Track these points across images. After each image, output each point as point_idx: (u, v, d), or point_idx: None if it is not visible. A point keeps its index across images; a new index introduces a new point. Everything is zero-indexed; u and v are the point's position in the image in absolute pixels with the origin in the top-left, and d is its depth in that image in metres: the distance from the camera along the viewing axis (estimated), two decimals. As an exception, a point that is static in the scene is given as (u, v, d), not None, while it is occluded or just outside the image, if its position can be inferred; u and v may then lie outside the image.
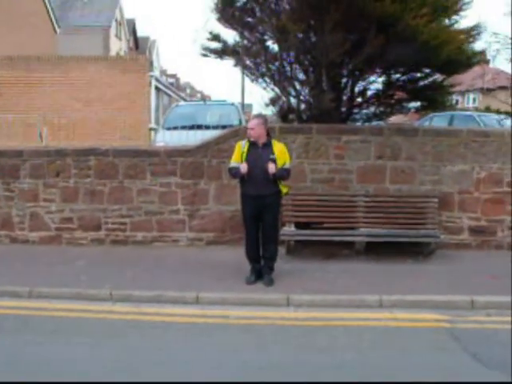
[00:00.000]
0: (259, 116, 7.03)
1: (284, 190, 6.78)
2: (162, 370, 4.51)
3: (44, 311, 6.00)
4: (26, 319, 5.77)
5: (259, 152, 6.61)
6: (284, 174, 6.68)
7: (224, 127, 10.06)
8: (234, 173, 6.79)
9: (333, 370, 4.51)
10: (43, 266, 7.62)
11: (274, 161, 6.54)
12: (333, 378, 4.34)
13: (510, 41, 11.25)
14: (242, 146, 6.73)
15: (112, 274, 7.17)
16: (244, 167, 6.54)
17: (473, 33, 8.64)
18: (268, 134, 6.74)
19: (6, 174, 8.86)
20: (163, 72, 51.05)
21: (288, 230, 7.96)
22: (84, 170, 8.73)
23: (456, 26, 8.71)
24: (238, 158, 6.69)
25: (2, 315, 5.87)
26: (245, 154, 6.64)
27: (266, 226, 6.76)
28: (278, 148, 6.70)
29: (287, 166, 6.71)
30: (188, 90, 59.70)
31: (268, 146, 6.68)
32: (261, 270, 6.87)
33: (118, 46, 41.68)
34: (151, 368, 4.55)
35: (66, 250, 8.55)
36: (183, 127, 11.07)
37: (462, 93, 32.52)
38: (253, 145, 6.66)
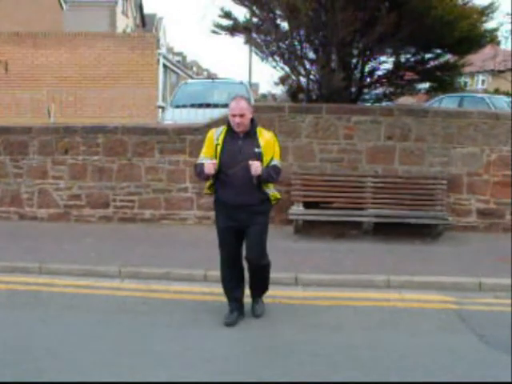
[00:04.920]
0: (242, 96, 5.09)
1: (273, 196, 5.03)
2: (172, 347, 4.54)
3: (54, 287, 6.05)
4: (37, 295, 5.81)
5: (239, 144, 4.83)
6: (272, 174, 4.84)
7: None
8: (198, 172, 4.96)
9: (342, 349, 4.53)
10: (52, 242, 7.67)
11: (260, 156, 4.79)
12: (343, 357, 4.37)
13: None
14: (215, 136, 4.93)
15: (120, 251, 7.21)
16: (209, 166, 4.74)
17: (486, 12, 8.54)
18: (252, 120, 4.90)
19: (14, 151, 8.88)
20: (170, 50, 50.67)
21: (296, 210, 7.97)
22: (93, 148, 8.73)
23: (469, 5, 8.60)
24: (209, 152, 4.91)
25: (13, 290, 5.92)
26: (220, 147, 4.85)
27: (250, 248, 4.99)
28: (265, 138, 4.89)
29: (276, 162, 4.89)
30: (194, 68, 59.32)
31: (251, 135, 4.87)
32: (242, 305, 5.21)
33: (125, 23, 41.27)
34: (162, 344, 4.59)
35: (75, 227, 8.60)
36: (192, 105, 11.04)
37: (472, 74, 32.24)
38: (231, 134, 4.88)
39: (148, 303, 5.65)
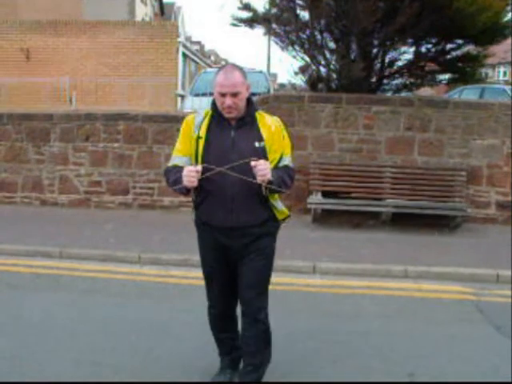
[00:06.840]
0: (234, 65, 3.29)
1: (281, 214, 3.37)
2: (189, 330, 4.61)
3: (75, 271, 6.15)
4: (58, 278, 5.92)
5: (231, 137, 3.20)
6: (285, 179, 3.22)
7: (252, 95, 10.01)
8: (171, 181, 3.25)
9: (359, 336, 4.57)
10: (73, 228, 7.79)
11: (263, 153, 3.17)
12: (359, 344, 4.41)
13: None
14: (194, 126, 3.25)
15: (140, 237, 7.30)
16: (189, 175, 3.05)
17: (510, 1, 8.45)
18: (249, 101, 3.27)
19: (36, 137, 9.02)
20: (188, 39, 50.66)
21: (315, 199, 8.00)
22: (113, 135, 8.83)
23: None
24: (186, 150, 3.27)
25: (35, 274, 6.05)
26: (203, 142, 3.21)
27: (246, 289, 3.36)
28: (269, 127, 3.26)
29: (287, 161, 3.30)
30: (212, 58, 59.30)
31: (249, 123, 3.25)
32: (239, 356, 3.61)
33: (144, 11, 41.30)
34: (179, 328, 4.66)
35: (95, 213, 8.72)
36: (211, 94, 11.02)
37: (493, 66, 31.89)
38: (218, 122, 3.24)
39: (167, 288, 5.73)
